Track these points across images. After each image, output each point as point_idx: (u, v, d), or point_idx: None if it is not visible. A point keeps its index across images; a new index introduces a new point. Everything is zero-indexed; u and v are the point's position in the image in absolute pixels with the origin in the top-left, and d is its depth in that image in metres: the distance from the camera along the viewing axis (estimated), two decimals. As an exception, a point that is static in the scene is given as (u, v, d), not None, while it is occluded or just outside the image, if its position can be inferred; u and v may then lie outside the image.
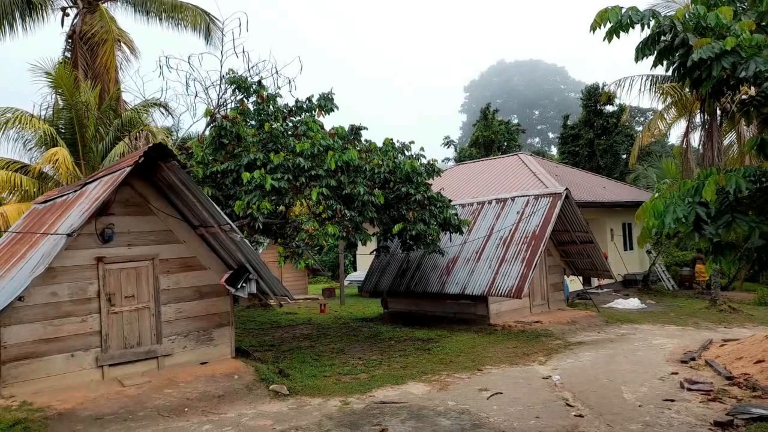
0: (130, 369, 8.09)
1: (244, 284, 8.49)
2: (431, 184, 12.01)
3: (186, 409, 7.26)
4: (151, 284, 8.43)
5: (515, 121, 47.61)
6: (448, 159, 43.69)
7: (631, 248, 22.29)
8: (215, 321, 8.98)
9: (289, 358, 10.41)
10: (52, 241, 7.20)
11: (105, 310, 7.98)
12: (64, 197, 9.02)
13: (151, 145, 7.58)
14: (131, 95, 16.57)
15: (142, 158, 7.35)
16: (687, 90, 17.18)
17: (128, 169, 7.42)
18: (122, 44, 17.62)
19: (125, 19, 19.03)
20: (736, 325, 13.51)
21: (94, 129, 14.12)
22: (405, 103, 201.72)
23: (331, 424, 6.76)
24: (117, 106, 15.66)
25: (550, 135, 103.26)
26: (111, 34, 15.97)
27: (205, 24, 17.14)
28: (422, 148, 12.15)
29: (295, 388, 8.24)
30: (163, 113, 15.82)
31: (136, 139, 13.22)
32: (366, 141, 11.73)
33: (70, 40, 16.96)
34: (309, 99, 11.28)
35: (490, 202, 15.07)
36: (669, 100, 19.28)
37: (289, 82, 11.78)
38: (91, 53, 16.30)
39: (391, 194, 11.16)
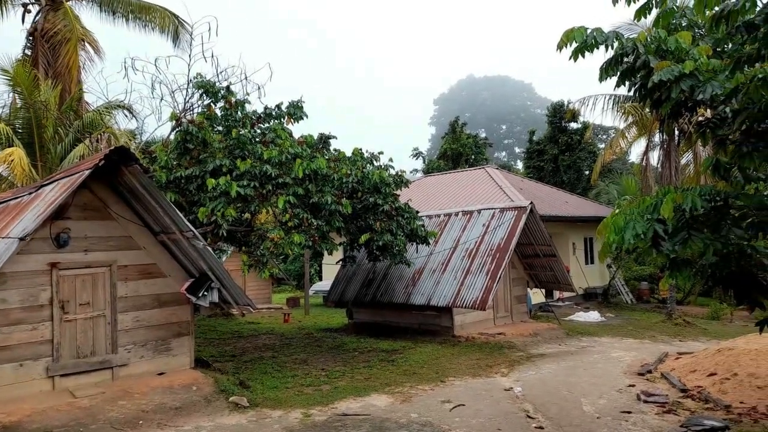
0: (83, 380, 7.78)
1: (205, 293, 8.30)
2: (399, 195, 12.04)
3: (141, 422, 7.01)
4: (107, 291, 8.15)
5: (483, 135, 48.42)
6: (416, 170, 44.02)
7: (592, 262, 22.81)
8: (174, 330, 8.73)
9: (250, 369, 10.21)
10: (3, 245, 6.88)
11: (58, 317, 7.66)
12: (18, 199, 8.65)
13: (112, 147, 7.37)
14: (94, 96, 16.05)
15: (103, 161, 7.14)
16: (647, 110, 17.78)
17: (87, 172, 7.18)
18: (86, 44, 17.12)
19: (90, 18, 18.54)
20: (690, 339, 13.93)
21: (53, 130, 13.65)
22: (375, 113, 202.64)
23: (292, 437, 6.64)
24: (78, 107, 15.18)
25: (517, 149, 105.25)
26: (75, 33, 15.51)
27: (173, 27, 16.83)
28: (391, 159, 12.19)
29: (255, 400, 8.07)
30: (126, 116, 15.40)
31: (97, 141, 12.84)
32: (335, 150, 11.70)
33: (31, 38, 16.40)
34: (278, 106, 11.19)
35: (456, 214, 15.20)
36: (630, 119, 19.95)
37: (259, 88, 11.68)
38: (53, 52, 15.79)
39: (359, 204, 11.14)
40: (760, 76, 4.63)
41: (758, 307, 5.84)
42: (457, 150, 38.15)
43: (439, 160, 39.55)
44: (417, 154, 44.63)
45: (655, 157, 19.87)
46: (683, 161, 19.83)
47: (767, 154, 4.86)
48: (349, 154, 11.65)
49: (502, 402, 8.09)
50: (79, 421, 6.81)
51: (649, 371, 9.76)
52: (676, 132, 16.64)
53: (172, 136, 10.87)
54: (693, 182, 18.35)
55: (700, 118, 5.88)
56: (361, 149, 11.92)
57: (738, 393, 7.81)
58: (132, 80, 11.52)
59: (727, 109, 5.39)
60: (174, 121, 10.40)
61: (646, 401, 7.88)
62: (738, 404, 7.43)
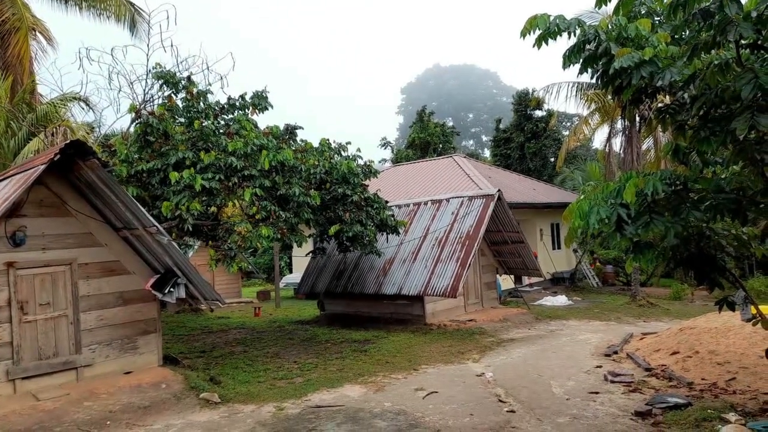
0: (46, 381, 7.54)
1: (171, 289, 8.12)
2: (368, 185, 12.00)
3: (108, 423, 6.85)
4: (68, 290, 7.89)
5: (450, 124, 48.64)
6: (384, 160, 44.02)
7: (559, 247, 23.26)
8: (140, 328, 8.53)
9: (221, 365, 10.07)
10: (-46, 245, 6.59)
11: (17, 319, 7.39)
12: (-31, 197, 8.28)
13: (68, 141, 7.10)
14: (48, 88, 15.46)
15: (58, 155, 6.87)
16: (609, 97, 18.10)
17: (42, 167, 6.91)
18: (38, 33, 16.42)
19: (41, 6, 17.76)
20: (654, 319, 14.38)
21: (5, 124, 13.07)
22: (343, 103, 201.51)
23: (265, 431, 6.58)
24: (31, 100, 14.57)
25: (484, 138, 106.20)
26: (25, 22, 14.83)
27: (129, 15, 16.24)
28: (359, 149, 12.12)
29: (227, 396, 7.97)
30: (83, 108, 14.84)
31: (52, 135, 12.35)
32: (302, 141, 11.55)
33: (-23, 28, 15.61)
34: (242, 97, 10.97)
35: (425, 203, 15.25)
36: (593, 106, 20.29)
37: (221, 78, 11.43)
38: (1, 42, 15.07)
39: (328, 195, 11.05)
40: (716, 62, 4.74)
41: (717, 287, 6.05)
42: (425, 139, 38.27)
43: (408, 149, 39.62)
44: (385, 144, 44.62)
45: (617, 143, 20.31)
46: (644, 147, 20.30)
47: (724, 138, 4.99)
48: (316, 144, 11.52)
49: (474, 387, 8.20)
50: (43, 425, 6.61)
51: (615, 352, 10.03)
52: (637, 118, 17.01)
53: (131, 129, 10.54)
54: (654, 167, 18.83)
55: (660, 104, 6.01)
56: (328, 140, 11.81)
57: (699, 370, 8.09)
58: (88, 71, 11.20)
59: (686, 95, 5.51)
60: (133, 113, 10.08)
61: (612, 381, 8.10)
62: (700, 381, 7.70)
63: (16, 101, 13.82)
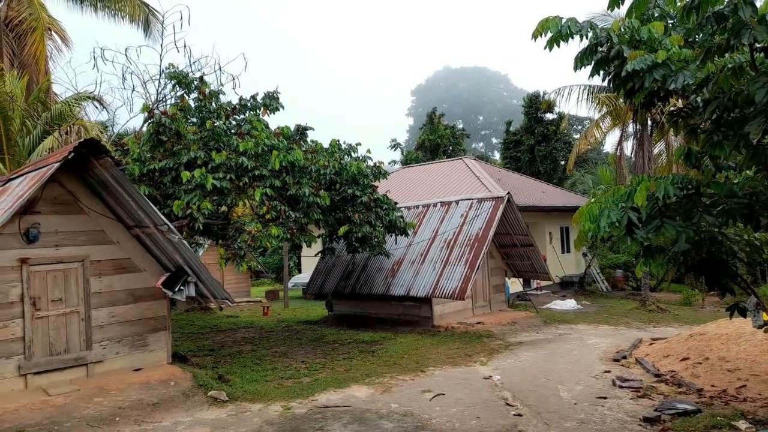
0: (57, 377, 7.63)
1: (182, 287, 8.18)
2: (377, 187, 12.01)
3: (117, 419, 6.90)
4: (80, 287, 7.98)
5: (460, 126, 48.56)
6: (394, 162, 44.04)
7: (569, 251, 23.14)
8: (151, 325, 8.61)
9: (229, 363, 10.13)
10: (-31, 241, 6.68)
11: (29, 314, 7.48)
12: (-16, 194, 8.39)
13: (82, 140, 7.19)
14: (62, 87, 15.67)
15: (72, 154, 6.96)
16: (621, 100, 17.97)
17: (56, 165, 7.00)
18: (53, 33, 16.66)
19: (57, 6, 18.08)
20: (663, 325, 14.25)
21: (20, 122, 13.25)
22: (354, 104, 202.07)
23: (272, 430, 6.61)
24: (46, 99, 14.76)
25: (494, 140, 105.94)
26: (41, 21, 15.05)
27: (144, 15, 16.42)
28: (369, 150, 12.14)
29: (234, 394, 8.01)
30: (97, 107, 15.04)
31: (66, 133, 12.50)
32: (312, 142, 11.59)
33: (-6, 27, 15.84)
34: (253, 97, 11.04)
35: (435, 205, 15.24)
36: (605, 109, 20.20)
37: (233, 79, 11.52)
38: (18, 41, 15.30)
39: (337, 196, 11.08)
40: (729, 66, 4.70)
41: (728, 293, 5.99)
42: (434, 141, 38.25)
43: (417, 151, 39.62)
44: (395, 146, 44.63)
45: (628, 146, 20.17)
46: (656, 151, 20.17)
47: (737, 143, 4.95)
48: (326, 145, 11.56)
49: (482, 390, 8.17)
50: (54, 420, 6.68)
51: (624, 357, 9.96)
52: (649, 122, 16.91)
53: (144, 128, 10.65)
54: (666, 171, 18.71)
55: (672, 108, 5.97)
56: (338, 140, 11.85)
57: (709, 376, 8.02)
58: (102, 71, 11.34)
59: (699, 99, 5.47)
60: (146, 113, 10.19)
61: (621, 386, 8.04)
62: (710, 387, 7.63)
63: (31, 100, 14.01)
